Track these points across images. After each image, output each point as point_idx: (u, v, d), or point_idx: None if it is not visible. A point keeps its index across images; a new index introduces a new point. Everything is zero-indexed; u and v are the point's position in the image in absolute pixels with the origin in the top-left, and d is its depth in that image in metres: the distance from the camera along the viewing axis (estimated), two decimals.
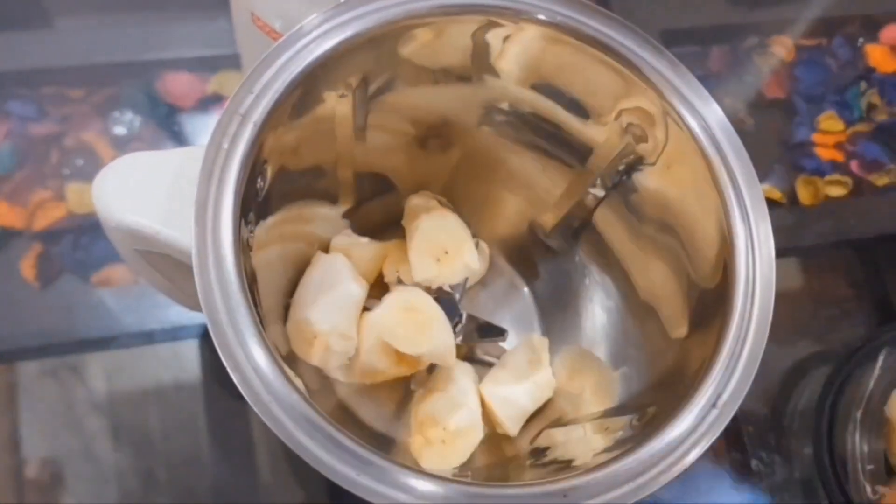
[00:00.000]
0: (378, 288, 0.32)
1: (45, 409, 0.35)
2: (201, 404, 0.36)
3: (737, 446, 0.40)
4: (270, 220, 0.26)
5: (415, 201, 0.33)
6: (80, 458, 0.35)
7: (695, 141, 0.24)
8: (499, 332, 0.33)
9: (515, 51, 0.26)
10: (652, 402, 0.25)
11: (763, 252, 0.23)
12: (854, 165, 0.48)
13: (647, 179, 0.27)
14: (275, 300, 0.29)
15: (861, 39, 0.52)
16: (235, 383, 0.19)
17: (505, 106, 0.29)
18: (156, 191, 0.23)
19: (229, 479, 0.35)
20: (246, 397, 0.19)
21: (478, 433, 0.30)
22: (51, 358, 0.36)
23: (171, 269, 0.27)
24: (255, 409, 0.19)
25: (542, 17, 0.24)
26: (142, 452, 0.35)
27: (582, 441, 0.27)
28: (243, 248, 0.22)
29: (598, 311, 0.32)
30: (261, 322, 0.20)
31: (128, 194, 0.23)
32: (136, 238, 0.23)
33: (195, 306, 0.20)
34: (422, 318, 0.28)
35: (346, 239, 0.32)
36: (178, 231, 0.22)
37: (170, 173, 0.23)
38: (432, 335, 0.27)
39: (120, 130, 0.41)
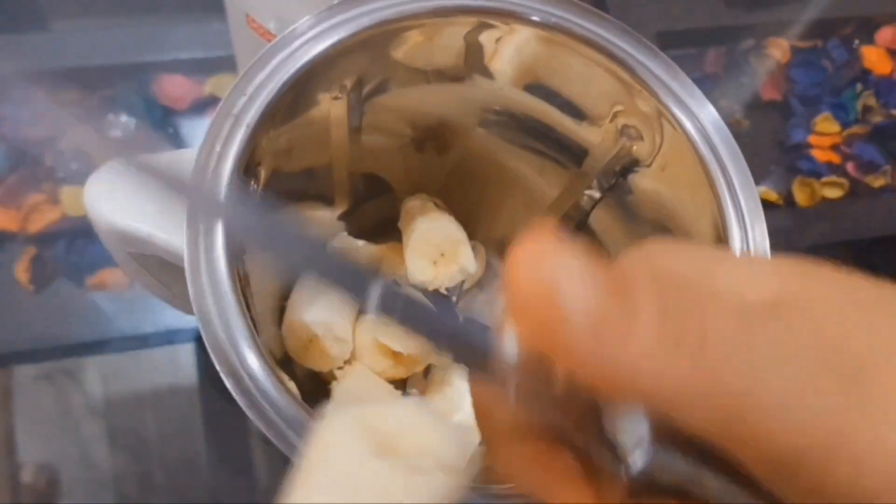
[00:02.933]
0: None
1: (41, 414, 0.35)
2: (198, 408, 0.36)
3: None
4: None
5: (411, 203, 0.32)
6: (76, 463, 0.34)
7: (690, 142, 0.24)
8: None
9: (508, 52, 0.26)
10: None
11: (759, 253, 0.23)
12: (850, 167, 0.48)
13: (642, 181, 0.27)
14: (270, 303, 0.29)
15: (857, 41, 0.52)
16: (227, 386, 0.19)
17: (500, 108, 0.29)
18: (148, 193, 0.23)
19: (226, 482, 0.35)
20: (238, 400, 0.19)
21: (474, 436, 0.30)
22: (46, 362, 0.36)
23: (164, 273, 0.26)
24: (248, 412, 0.19)
25: (535, 18, 0.24)
26: (138, 456, 0.35)
27: None
28: (237, 251, 0.21)
29: None
30: (254, 325, 0.20)
31: (120, 197, 0.23)
32: (129, 241, 0.23)
33: (189, 310, 0.20)
34: None
35: (342, 241, 0.32)
36: (171, 234, 0.22)
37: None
38: None
39: (114, 133, 0.41)
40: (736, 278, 0.11)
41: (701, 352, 0.10)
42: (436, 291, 0.31)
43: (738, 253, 0.23)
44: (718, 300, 0.11)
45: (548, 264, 0.11)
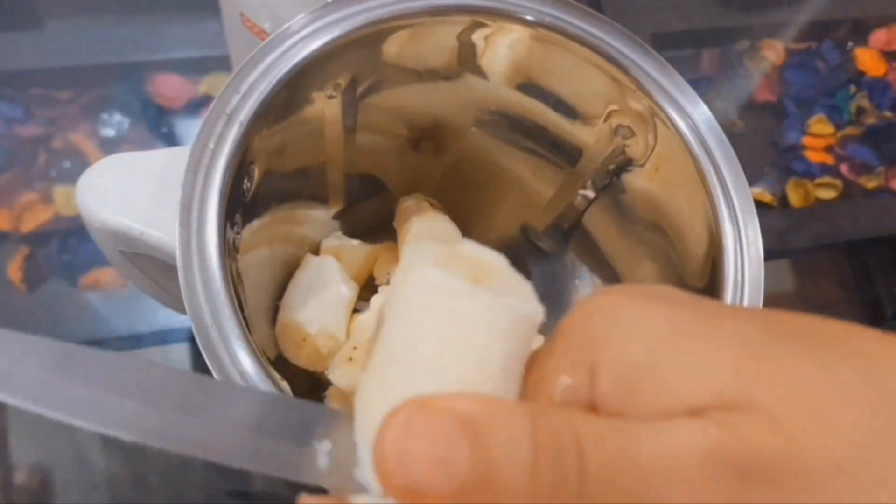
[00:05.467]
0: (368, 290, 0.31)
1: (34, 414, 0.35)
2: None
3: None
4: (258, 221, 0.26)
5: (406, 203, 0.32)
6: (69, 464, 0.34)
7: (683, 142, 0.24)
8: None
9: (502, 51, 0.26)
10: None
11: (752, 252, 0.23)
12: (844, 168, 0.48)
13: (636, 180, 0.27)
14: (263, 302, 0.29)
15: (850, 43, 0.52)
16: None
17: (494, 108, 0.29)
18: (140, 191, 0.23)
19: (221, 482, 0.35)
20: None
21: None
22: None
23: (157, 271, 0.26)
24: None
25: (529, 17, 0.24)
26: (132, 457, 0.35)
27: None
28: (229, 249, 0.21)
29: None
30: (247, 325, 0.20)
31: (112, 195, 0.22)
32: (121, 239, 0.23)
33: (183, 309, 0.20)
34: None
35: (337, 241, 0.32)
36: (163, 232, 0.22)
37: (155, 174, 0.23)
38: None
39: (108, 132, 0.41)
40: None
41: None
42: None
43: (731, 251, 0.23)
44: None
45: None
